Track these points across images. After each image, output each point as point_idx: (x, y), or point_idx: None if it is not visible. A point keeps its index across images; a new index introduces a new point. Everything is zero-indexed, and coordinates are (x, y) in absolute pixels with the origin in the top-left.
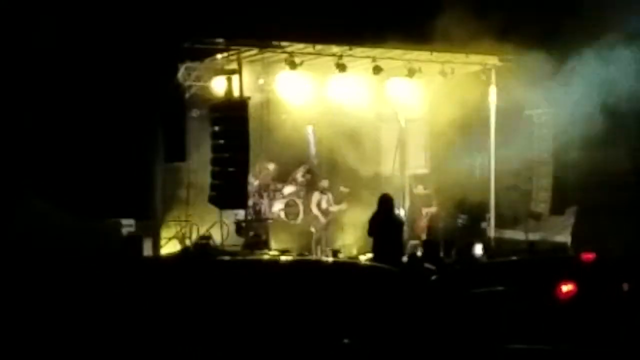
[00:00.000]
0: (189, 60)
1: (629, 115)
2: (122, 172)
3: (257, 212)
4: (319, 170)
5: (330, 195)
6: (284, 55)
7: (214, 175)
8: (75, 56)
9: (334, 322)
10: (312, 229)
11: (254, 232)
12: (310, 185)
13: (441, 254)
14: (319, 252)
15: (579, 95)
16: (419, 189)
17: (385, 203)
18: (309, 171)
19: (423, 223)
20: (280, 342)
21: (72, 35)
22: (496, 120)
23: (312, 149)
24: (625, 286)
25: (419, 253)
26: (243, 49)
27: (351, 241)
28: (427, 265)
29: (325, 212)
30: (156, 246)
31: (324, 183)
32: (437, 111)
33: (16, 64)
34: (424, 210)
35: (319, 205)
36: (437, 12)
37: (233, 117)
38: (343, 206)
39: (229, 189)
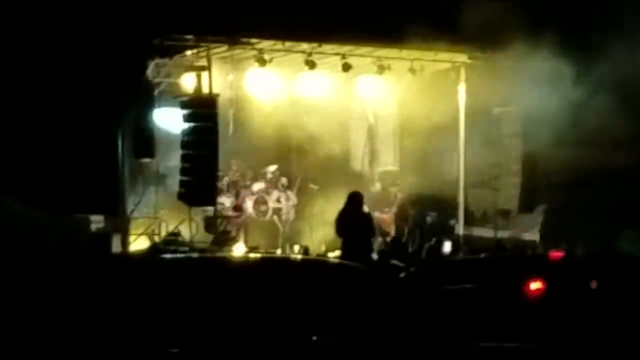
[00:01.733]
0: (159, 56)
1: (597, 113)
2: (91, 168)
3: (225, 209)
4: (289, 167)
5: (289, 193)
6: (254, 52)
7: (183, 171)
8: (43, 52)
9: (303, 319)
10: (280, 226)
11: (223, 228)
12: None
13: (409, 251)
14: (287, 249)
15: (547, 93)
16: (377, 187)
17: (354, 200)
18: (277, 169)
19: (384, 221)
20: (249, 340)
21: (40, 31)
22: (465, 118)
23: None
24: (594, 284)
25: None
26: (212, 45)
27: (320, 238)
28: (395, 262)
29: (282, 210)
30: (125, 243)
31: (283, 181)
32: (407, 109)
33: None
34: (382, 211)
35: (277, 202)
36: (407, 9)
37: (202, 113)
38: (293, 201)
39: (198, 186)
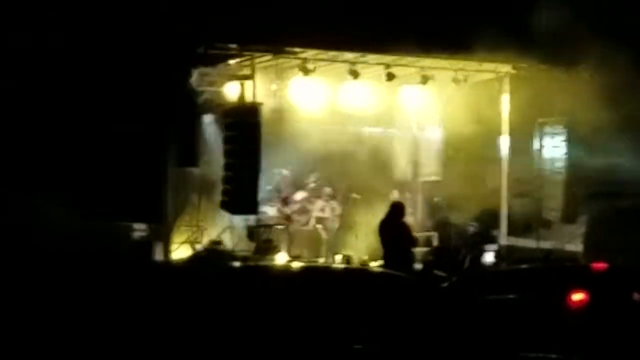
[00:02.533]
0: (203, 65)
1: None
2: (134, 176)
3: (268, 218)
4: (332, 177)
5: (333, 202)
6: (298, 62)
7: (225, 180)
8: (89, 59)
9: (345, 328)
10: (323, 235)
11: (266, 237)
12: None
13: (452, 261)
14: (330, 259)
15: (591, 103)
16: (395, 194)
17: (397, 210)
18: (320, 178)
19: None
20: (292, 349)
21: (86, 37)
22: (509, 128)
23: None
24: (636, 296)
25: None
26: (256, 54)
27: (363, 247)
28: (438, 272)
29: (326, 219)
30: (167, 251)
31: (327, 190)
32: (450, 119)
33: (30, 65)
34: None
35: (321, 211)
36: (451, 19)
37: (245, 122)
38: (337, 210)
39: (241, 195)
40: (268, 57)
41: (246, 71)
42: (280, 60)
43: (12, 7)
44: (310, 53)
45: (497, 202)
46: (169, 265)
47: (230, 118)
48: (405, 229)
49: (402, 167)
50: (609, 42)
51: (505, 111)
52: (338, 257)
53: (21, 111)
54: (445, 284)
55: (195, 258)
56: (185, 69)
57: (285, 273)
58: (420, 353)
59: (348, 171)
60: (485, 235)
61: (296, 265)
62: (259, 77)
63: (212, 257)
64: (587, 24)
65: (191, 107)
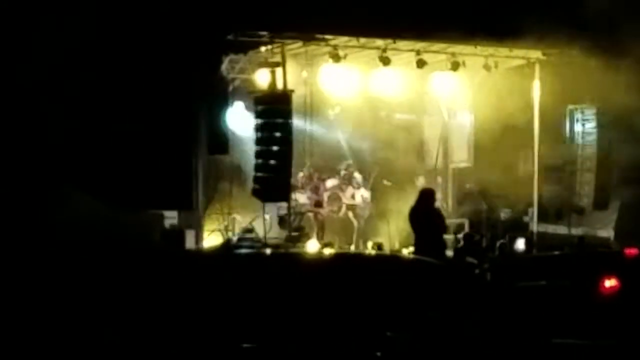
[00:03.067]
0: (233, 52)
1: None
2: (165, 164)
3: (300, 205)
4: (363, 164)
5: (363, 190)
6: (328, 49)
7: (257, 167)
8: (118, 47)
9: (378, 315)
10: (354, 222)
11: (297, 225)
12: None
13: (483, 248)
14: (361, 246)
15: (622, 89)
16: (420, 181)
17: (427, 197)
18: (352, 165)
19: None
20: (323, 336)
21: (115, 25)
22: (540, 115)
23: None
24: None
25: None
26: (287, 41)
27: (394, 234)
28: (469, 259)
29: (357, 206)
30: (198, 238)
31: (357, 177)
32: (481, 105)
33: (58, 55)
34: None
35: (352, 198)
36: (481, 5)
37: (276, 109)
38: (367, 197)
39: (272, 182)
40: (298, 44)
41: (277, 58)
42: (311, 48)
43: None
44: (340, 40)
45: (528, 188)
46: (200, 253)
47: (261, 105)
48: (436, 216)
49: (433, 153)
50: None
51: (536, 97)
52: (369, 244)
53: (51, 102)
54: (477, 271)
55: (227, 246)
56: (215, 56)
57: (316, 260)
58: (453, 340)
59: (379, 158)
60: (517, 222)
61: (328, 252)
62: (289, 64)
63: (243, 245)
64: (617, 10)
65: (222, 95)
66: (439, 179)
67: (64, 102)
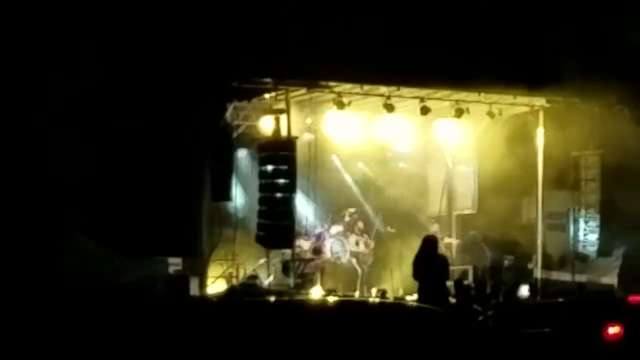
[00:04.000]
0: (237, 99)
1: None
2: (170, 210)
3: (304, 252)
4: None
5: (367, 237)
6: (332, 95)
7: (261, 214)
8: (123, 92)
9: None
10: (358, 269)
11: (301, 271)
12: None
13: (487, 295)
14: (365, 293)
15: (626, 137)
16: (435, 227)
17: (429, 244)
18: (356, 212)
19: None
20: None
21: (121, 72)
22: (544, 162)
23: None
24: None
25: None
26: (291, 88)
27: (398, 281)
28: (473, 306)
29: (360, 253)
30: (203, 285)
31: (360, 224)
32: (485, 152)
33: (66, 101)
34: None
35: (356, 245)
36: (485, 52)
37: (281, 156)
38: (371, 245)
39: (276, 229)
40: (302, 91)
41: (281, 105)
42: (315, 94)
43: (40, 51)
44: (344, 87)
45: (532, 235)
46: (205, 300)
47: (265, 152)
48: (440, 263)
49: (437, 200)
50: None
51: (540, 144)
52: (373, 291)
53: (57, 148)
54: (481, 318)
55: (231, 293)
56: (220, 103)
57: (321, 308)
58: None
59: (383, 205)
60: (521, 269)
61: (332, 299)
62: (293, 111)
63: (247, 292)
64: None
65: (226, 142)
66: (442, 227)
67: (72, 149)
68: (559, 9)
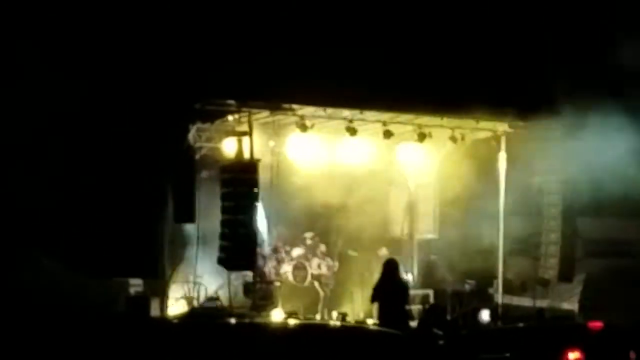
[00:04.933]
0: (200, 121)
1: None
2: (131, 231)
3: (265, 274)
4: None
5: (328, 259)
6: (295, 118)
7: (223, 236)
8: (87, 116)
9: None
10: (320, 292)
11: (262, 294)
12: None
13: (448, 319)
14: (325, 315)
15: (588, 162)
16: (383, 251)
17: (390, 268)
18: (317, 234)
19: None
20: None
21: (83, 94)
22: (506, 186)
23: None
24: (633, 355)
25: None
26: (254, 111)
27: (359, 304)
28: (434, 330)
29: (322, 276)
30: (163, 306)
31: (322, 247)
32: (447, 177)
33: (28, 124)
34: None
35: (318, 268)
36: (448, 77)
37: (243, 179)
38: (334, 267)
39: (238, 251)
40: (266, 113)
41: (244, 127)
42: (278, 117)
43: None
44: (307, 110)
45: (493, 260)
46: (165, 321)
47: (227, 174)
48: (401, 287)
49: (398, 224)
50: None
51: (502, 169)
52: (334, 314)
53: (19, 170)
54: (441, 343)
55: (192, 314)
56: (183, 124)
57: (281, 330)
58: None
59: (345, 228)
60: (482, 294)
61: (292, 322)
62: (256, 133)
63: (208, 314)
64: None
65: (188, 163)
66: (403, 251)
67: (34, 169)
68: (522, 35)
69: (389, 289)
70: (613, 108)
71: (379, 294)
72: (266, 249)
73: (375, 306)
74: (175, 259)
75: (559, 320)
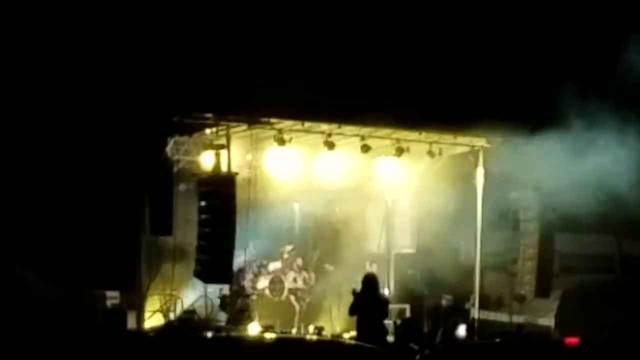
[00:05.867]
0: (178, 134)
1: (616, 200)
2: (108, 243)
3: (242, 288)
4: (305, 247)
5: (304, 273)
6: (273, 132)
7: (199, 249)
8: (64, 128)
9: None
10: (296, 306)
11: (239, 307)
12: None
13: (424, 334)
14: (302, 329)
15: (565, 179)
16: (373, 267)
17: (369, 283)
18: (294, 248)
19: None
20: None
21: (63, 104)
22: (483, 202)
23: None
24: None
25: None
26: (232, 124)
27: (336, 319)
28: (410, 345)
29: (300, 290)
30: (140, 319)
31: (299, 261)
32: (424, 191)
33: (3, 133)
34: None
35: (294, 282)
36: (426, 93)
37: (220, 192)
38: (310, 281)
39: (215, 264)
40: (243, 127)
41: (222, 141)
42: (256, 131)
43: None
44: (285, 124)
45: (470, 275)
46: (142, 334)
47: (205, 187)
48: (381, 301)
49: (375, 238)
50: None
51: (480, 184)
52: (311, 328)
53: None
54: (418, 358)
55: (168, 327)
56: (160, 137)
57: (257, 344)
58: None
59: (322, 242)
60: (458, 309)
61: (269, 336)
62: (234, 146)
63: (185, 327)
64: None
65: (166, 176)
66: (380, 266)
67: (10, 177)
68: (499, 48)
69: (369, 303)
70: (590, 123)
71: (358, 308)
72: (243, 262)
73: (354, 320)
74: (152, 271)
75: (535, 335)
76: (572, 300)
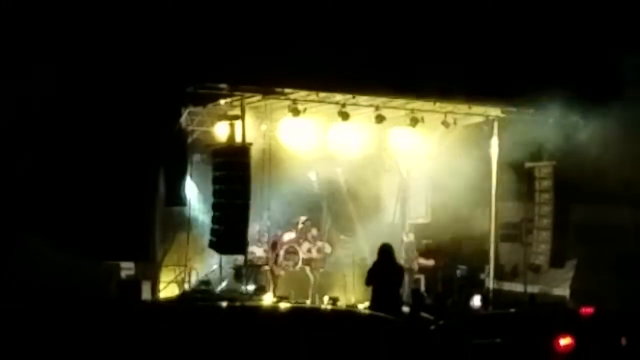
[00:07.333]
0: (192, 105)
1: (632, 170)
2: (123, 214)
3: (256, 258)
4: (320, 218)
5: (320, 244)
6: (287, 102)
7: (214, 220)
8: (79, 99)
9: None
10: (310, 276)
11: (254, 278)
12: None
13: (439, 304)
14: (316, 300)
15: (579, 148)
16: (410, 237)
17: (385, 252)
18: (309, 219)
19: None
20: None
21: (76, 77)
22: (497, 172)
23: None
24: (623, 340)
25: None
26: (246, 94)
27: (350, 289)
28: (425, 315)
29: (315, 260)
30: (155, 290)
31: (314, 232)
32: (439, 161)
33: (19, 104)
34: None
35: (308, 252)
36: (441, 62)
37: (235, 162)
38: (325, 250)
39: (229, 234)
40: (258, 97)
41: (236, 111)
42: (270, 101)
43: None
44: (300, 94)
45: (485, 245)
46: (157, 304)
47: (219, 158)
48: (396, 271)
49: (390, 209)
50: (595, 88)
51: (494, 155)
52: (325, 299)
53: (10, 151)
54: (433, 327)
55: (183, 298)
56: (175, 108)
57: (272, 314)
58: None
59: (336, 212)
60: (473, 279)
61: (283, 306)
62: (248, 117)
63: (199, 297)
64: (573, 72)
65: (180, 147)
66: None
67: (27, 152)
68: (516, 21)
69: (384, 273)
70: (608, 94)
71: (373, 278)
72: (257, 233)
73: (369, 290)
74: (167, 242)
75: (550, 305)
76: (587, 270)
